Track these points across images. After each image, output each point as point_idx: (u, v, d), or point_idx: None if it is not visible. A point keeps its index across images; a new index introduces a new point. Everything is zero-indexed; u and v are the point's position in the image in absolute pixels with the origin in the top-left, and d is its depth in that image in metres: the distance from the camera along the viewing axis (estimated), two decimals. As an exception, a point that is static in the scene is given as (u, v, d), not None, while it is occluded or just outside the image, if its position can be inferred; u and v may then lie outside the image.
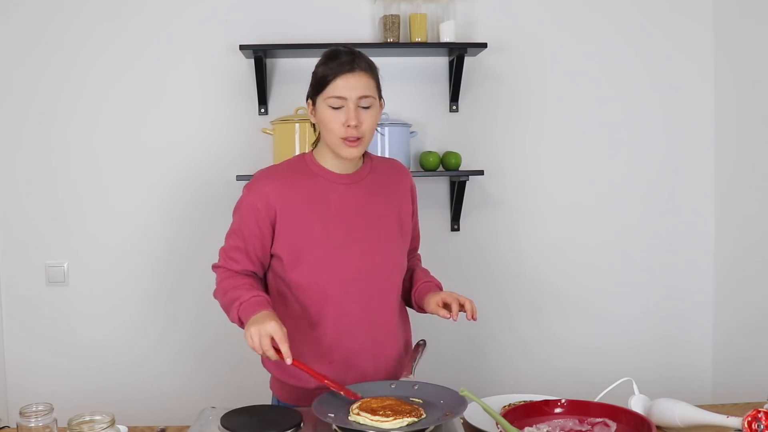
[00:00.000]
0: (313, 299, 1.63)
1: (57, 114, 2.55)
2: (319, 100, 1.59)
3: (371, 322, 1.66)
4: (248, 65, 2.55)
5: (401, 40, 2.53)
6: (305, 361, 1.54)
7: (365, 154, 1.72)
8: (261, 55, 2.44)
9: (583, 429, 1.40)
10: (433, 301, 1.65)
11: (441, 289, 1.74)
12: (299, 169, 1.66)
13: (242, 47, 2.42)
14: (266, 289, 1.71)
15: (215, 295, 1.68)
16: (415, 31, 2.51)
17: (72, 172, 2.57)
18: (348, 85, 1.55)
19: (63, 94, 2.54)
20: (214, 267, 1.71)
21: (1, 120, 2.55)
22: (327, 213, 1.63)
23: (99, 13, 2.53)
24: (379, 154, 2.39)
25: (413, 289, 1.76)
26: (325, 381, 1.47)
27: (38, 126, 2.55)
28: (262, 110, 2.57)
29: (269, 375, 1.76)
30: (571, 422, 1.41)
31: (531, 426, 1.36)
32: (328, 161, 1.66)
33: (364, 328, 1.65)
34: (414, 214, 1.78)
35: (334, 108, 1.57)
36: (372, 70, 1.61)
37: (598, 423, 1.39)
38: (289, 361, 1.44)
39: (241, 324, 1.56)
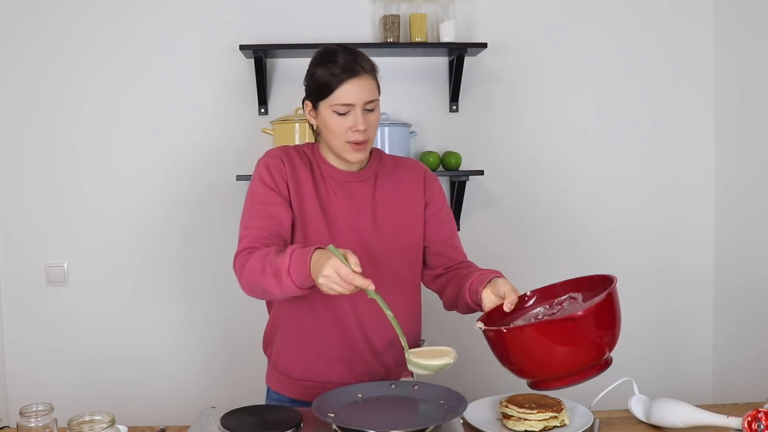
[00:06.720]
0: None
1: (57, 114, 2.55)
2: (323, 105, 1.55)
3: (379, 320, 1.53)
4: (248, 65, 2.55)
5: (401, 40, 2.53)
6: (309, 340, 1.59)
7: (372, 151, 1.68)
8: (261, 55, 2.44)
9: (555, 311, 1.41)
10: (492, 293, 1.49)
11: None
12: (308, 157, 1.64)
13: (242, 47, 2.42)
14: None
15: (247, 280, 1.46)
16: (415, 31, 2.51)
17: (72, 173, 2.57)
18: (355, 92, 1.52)
19: (63, 94, 2.54)
20: (237, 259, 1.50)
21: (1, 120, 2.55)
22: (330, 207, 1.59)
23: (99, 14, 2.53)
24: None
25: (468, 283, 1.56)
26: None
27: (38, 126, 2.55)
28: (262, 110, 2.57)
29: (266, 367, 1.73)
30: (542, 308, 1.42)
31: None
32: (331, 158, 1.63)
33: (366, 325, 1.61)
34: (430, 205, 1.69)
35: (340, 114, 1.53)
36: (374, 71, 1.57)
37: (565, 300, 1.40)
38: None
39: (301, 288, 1.38)
